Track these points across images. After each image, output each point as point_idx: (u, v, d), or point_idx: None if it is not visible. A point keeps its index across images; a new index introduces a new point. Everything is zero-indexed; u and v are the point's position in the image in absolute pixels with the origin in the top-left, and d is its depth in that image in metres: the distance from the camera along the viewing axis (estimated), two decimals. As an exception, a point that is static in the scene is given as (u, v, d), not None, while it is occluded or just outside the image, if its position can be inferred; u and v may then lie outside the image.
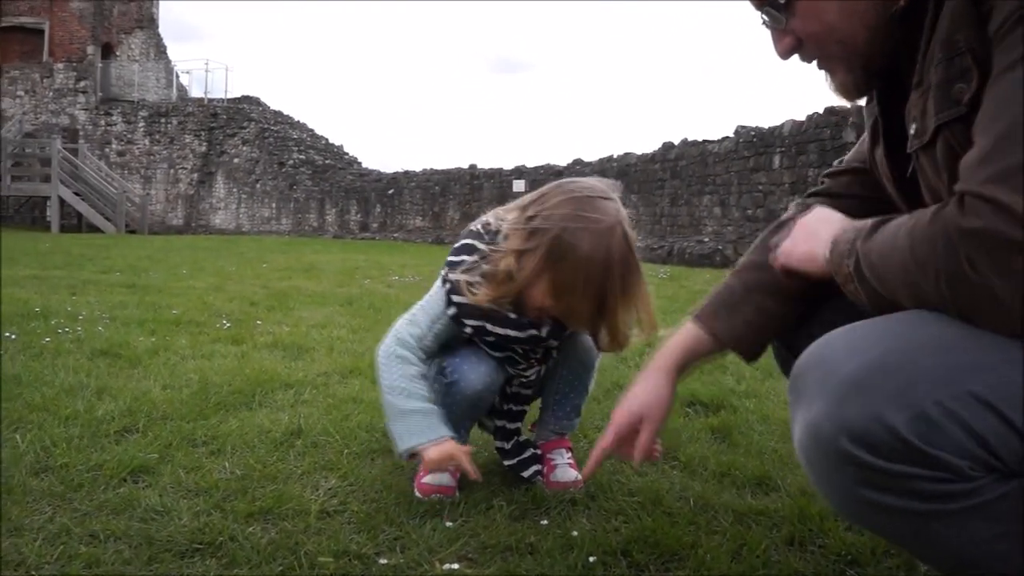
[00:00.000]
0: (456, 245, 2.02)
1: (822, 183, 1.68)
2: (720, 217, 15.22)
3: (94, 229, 25.14)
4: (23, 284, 7.05)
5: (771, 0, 1.27)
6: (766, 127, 14.37)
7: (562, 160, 21.43)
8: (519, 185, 20.70)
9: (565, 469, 2.17)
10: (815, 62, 1.32)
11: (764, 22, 1.32)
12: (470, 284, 1.92)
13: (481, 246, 1.95)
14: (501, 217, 1.97)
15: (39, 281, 7.40)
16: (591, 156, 21.04)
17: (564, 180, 1.96)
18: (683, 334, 1.66)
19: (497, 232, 1.94)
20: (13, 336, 4.07)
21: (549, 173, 20.63)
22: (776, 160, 13.57)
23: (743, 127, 15.06)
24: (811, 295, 1.48)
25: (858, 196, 1.56)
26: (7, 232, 22.14)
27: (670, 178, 16.95)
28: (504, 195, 20.82)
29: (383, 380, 1.99)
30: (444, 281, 2.00)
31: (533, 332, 2.00)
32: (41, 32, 31.21)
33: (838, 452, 1.07)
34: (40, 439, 2.36)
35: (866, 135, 1.52)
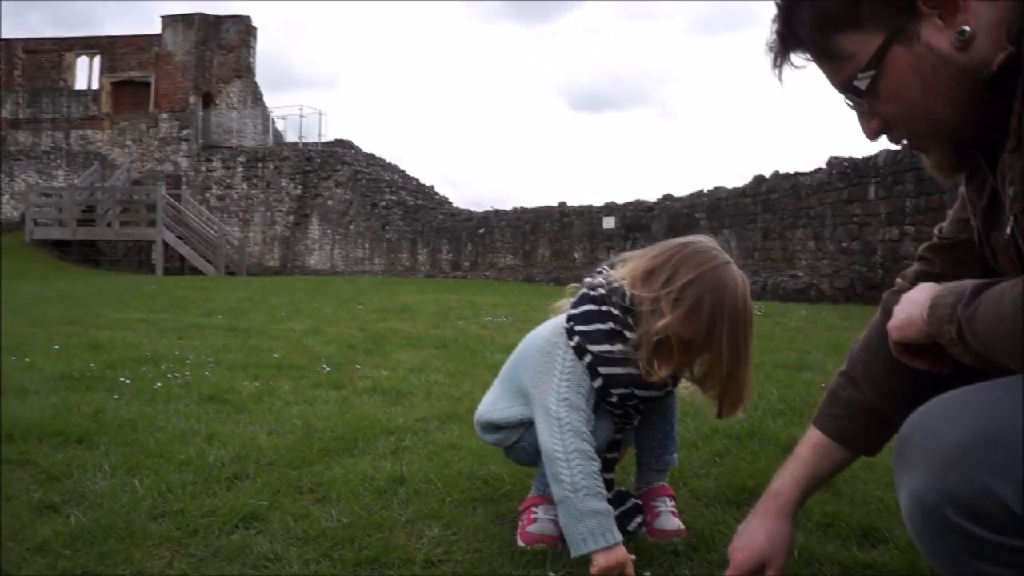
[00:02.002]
0: (579, 310, 2.01)
1: (922, 259, 1.66)
2: (815, 250, 14.95)
3: (195, 271, 25.99)
4: (133, 328, 7.34)
5: (851, 87, 1.26)
6: (860, 157, 14.11)
7: (652, 196, 21.36)
8: (609, 221, 20.68)
9: (668, 517, 2.16)
10: (906, 142, 1.31)
11: (848, 105, 1.31)
12: (648, 364, 1.95)
13: (615, 311, 1.98)
14: (615, 278, 2.00)
15: (148, 325, 7.69)
16: (681, 191, 20.92)
17: (686, 242, 1.99)
18: (805, 457, 1.71)
19: (623, 294, 1.97)
20: (127, 381, 4.24)
21: (639, 209, 20.58)
22: (871, 191, 13.30)
23: (836, 158, 14.81)
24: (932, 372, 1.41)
25: (964, 269, 1.52)
26: (117, 275, 23.06)
27: (762, 212, 16.75)
28: (594, 232, 20.83)
29: (564, 477, 1.88)
30: (580, 352, 1.98)
31: (669, 390, 2.12)
32: (148, 85, 32.66)
33: (944, 522, 1.05)
34: (157, 484, 2.46)
35: (958, 206, 1.50)
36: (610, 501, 2.11)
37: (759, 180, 17.29)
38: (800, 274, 13.94)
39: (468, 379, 4.44)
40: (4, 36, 35.29)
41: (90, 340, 6.10)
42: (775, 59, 1.32)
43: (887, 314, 1.48)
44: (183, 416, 3.40)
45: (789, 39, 1.30)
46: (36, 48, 34.63)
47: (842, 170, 14.30)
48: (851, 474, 2.66)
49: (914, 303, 1.31)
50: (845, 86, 1.27)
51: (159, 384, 4.16)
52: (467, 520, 2.22)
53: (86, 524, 2.13)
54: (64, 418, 3.33)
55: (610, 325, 1.97)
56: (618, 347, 1.96)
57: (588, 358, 1.98)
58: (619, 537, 1.87)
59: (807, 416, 3.34)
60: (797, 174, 16.24)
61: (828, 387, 1.74)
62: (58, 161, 31.22)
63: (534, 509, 2.13)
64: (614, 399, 2.02)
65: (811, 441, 1.70)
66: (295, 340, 6.34)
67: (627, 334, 1.96)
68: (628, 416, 2.11)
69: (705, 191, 19.48)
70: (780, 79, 1.33)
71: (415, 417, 3.46)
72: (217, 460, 2.71)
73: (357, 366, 4.92)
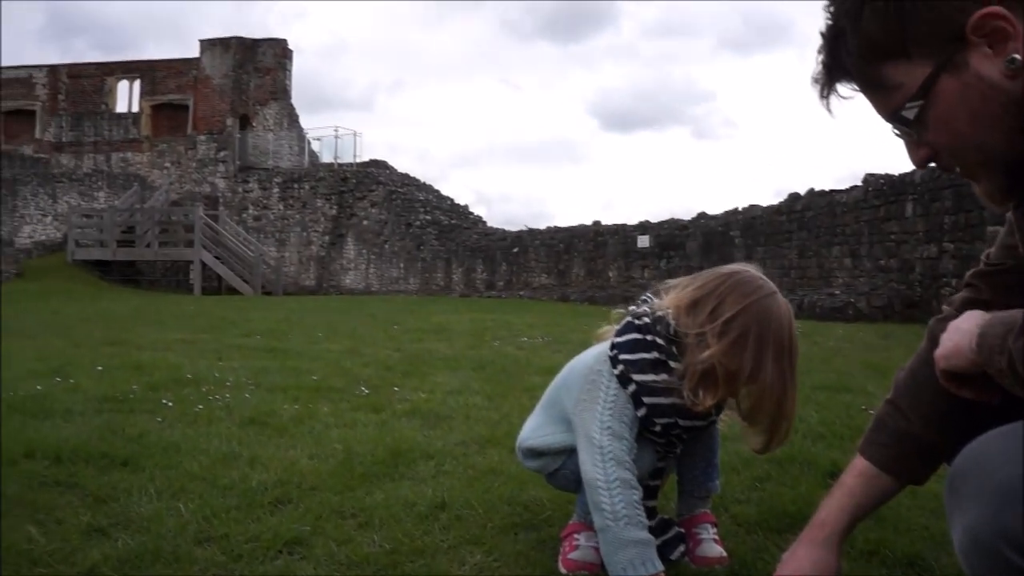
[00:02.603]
0: (623, 339, 2.03)
1: (969, 285, 1.65)
2: (851, 268, 14.84)
3: (233, 291, 26.25)
4: (174, 348, 7.44)
5: (899, 117, 1.26)
6: (896, 174, 14.01)
7: (686, 214, 21.31)
8: (643, 240, 20.65)
9: (711, 544, 2.15)
10: (957, 171, 1.31)
11: (896, 133, 1.31)
12: (693, 393, 1.96)
13: (660, 341, 1.99)
14: (660, 307, 2.02)
15: (188, 345, 7.78)
16: (715, 209, 20.85)
17: (731, 271, 2.01)
18: (851, 486, 1.69)
19: (667, 324, 1.99)
20: (169, 403, 4.30)
21: (674, 227, 20.53)
22: (908, 208, 13.19)
23: (872, 175, 14.72)
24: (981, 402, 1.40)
25: (1013, 296, 1.51)
26: (156, 295, 23.36)
27: (797, 230, 16.66)
28: (628, 251, 20.80)
29: (605, 505, 1.91)
30: (624, 381, 2.01)
31: (712, 419, 2.13)
32: (186, 108, 33.15)
33: (998, 558, 1.05)
34: (201, 509, 2.49)
35: (1004, 231, 1.49)
36: (653, 529, 2.11)
37: (794, 198, 17.21)
38: (837, 292, 13.83)
39: (506, 402, 4.45)
40: (50, 62, 36.03)
41: (132, 361, 6.19)
42: (822, 90, 1.32)
43: (933, 342, 1.47)
44: (225, 439, 3.44)
45: (835, 70, 1.30)
46: (79, 73, 35.30)
47: (878, 187, 14.19)
48: (895, 501, 2.63)
49: (962, 332, 1.30)
50: (893, 116, 1.27)
51: (201, 407, 4.21)
52: (509, 546, 2.22)
53: (134, 548, 2.17)
54: (109, 440, 3.38)
55: (655, 355, 1.98)
56: (663, 377, 1.98)
57: (632, 387, 2.00)
58: (659, 567, 1.89)
59: (848, 439, 3.33)
60: (832, 191, 16.14)
61: (874, 415, 1.74)
62: (99, 183, 31.72)
63: (576, 536, 2.13)
64: (657, 428, 2.03)
65: (857, 470, 1.69)
66: (333, 361, 6.39)
67: (672, 364, 1.98)
68: (671, 445, 2.12)
69: (739, 209, 19.41)
70: (828, 110, 1.33)
71: (454, 441, 3.47)
72: (260, 484, 2.74)
73: (395, 388, 4.95)
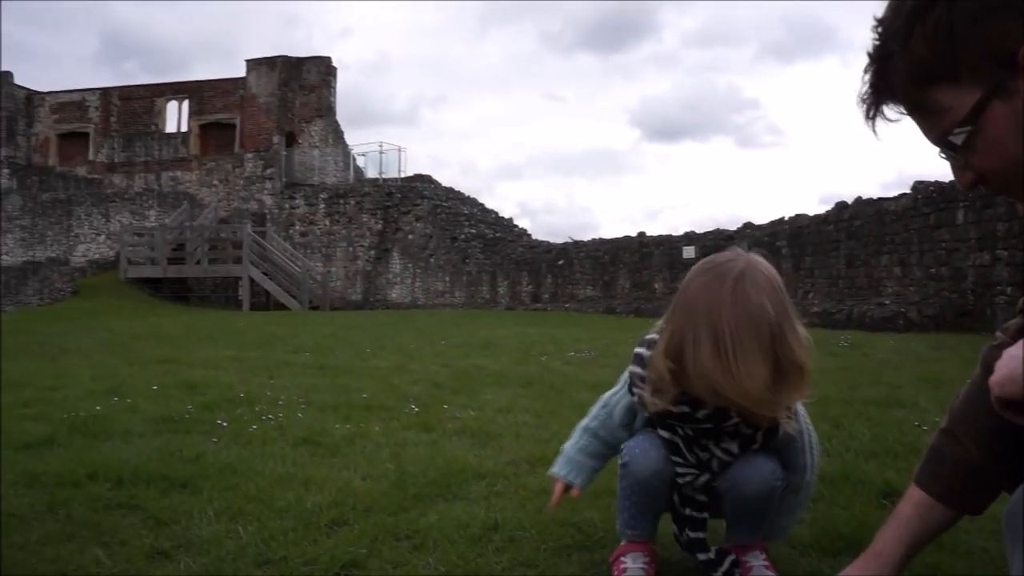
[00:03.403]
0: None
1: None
2: (901, 277, 14.64)
3: (280, 306, 26.55)
4: (225, 367, 7.55)
5: (947, 141, 1.26)
6: (946, 181, 13.80)
7: (732, 224, 21.18)
8: (689, 251, 20.56)
9: (762, 571, 2.15)
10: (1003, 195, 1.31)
11: (942, 157, 1.31)
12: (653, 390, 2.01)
13: (648, 336, 2.09)
14: None
15: (238, 363, 7.90)
16: (761, 219, 20.69)
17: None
18: (907, 516, 1.67)
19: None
20: (224, 424, 4.38)
21: (719, 238, 20.42)
22: (960, 215, 12.99)
23: (921, 182, 14.52)
24: None
25: None
26: (206, 311, 23.69)
27: (845, 239, 16.48)
28: (674, 262, 20.72)
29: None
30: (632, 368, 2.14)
31: (685, 409, 2.02)
32: (234, 126, 33.69)
33: None
34: (260, 531, 2.54)
35: None
36: (711, 561, 2.12)
37: (841, 207, 17.04)
38: (886, 302, 13.65)
39: (555, 420, 4.46)
40: (102, 85, 36.82)
41: (185, 380, 6.29)
42: (868, 111, 1.32)
43: (987, 369, 1.46)
44: (280, 460, 3.50)
45: (883, 91, 1.30)
46: (130, 95, 36.04)
47: (928, 195, 14.00)
48: (950, 521, 2.62)
49: (1016, 359, 1.30)
50: (940, 140, 1.27)
51: (255, 427, 4.28)
52: (562, 568, 2.24)
53: (196, 571, 2.22)
54: (168, 462, 3.45)
55: (643, 349, 2.08)
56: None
57: (626, 375, 2.15)
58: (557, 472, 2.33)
59: (902, 458, 3.30)
60: (881, 200, 15.95)
61: (929, 444, 1.73)
62: (150, 202, 32.30)
63: (623, 559, 2.16)
64: (646, 417, 2.15)
65: (913, 500, 1.68)
66: (382, 378, 6.45)
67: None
68: (676, 450, 2.11)
69: (786, 219, 19.26)
70: (874, 131, 1.34)
71: (505, 460, 3.50)
72: (315, 506, 2.79)
73: (445, 406, 4.98)
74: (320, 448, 3.79)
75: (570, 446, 2.34)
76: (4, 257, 31.52)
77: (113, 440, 4.00)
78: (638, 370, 2.07)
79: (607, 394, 2.30)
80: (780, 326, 1.87)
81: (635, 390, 2.09)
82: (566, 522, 2.60)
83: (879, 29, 1.28)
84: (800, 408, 2.09)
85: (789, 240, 18.37)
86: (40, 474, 3.26)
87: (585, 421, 2.34)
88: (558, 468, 2.33)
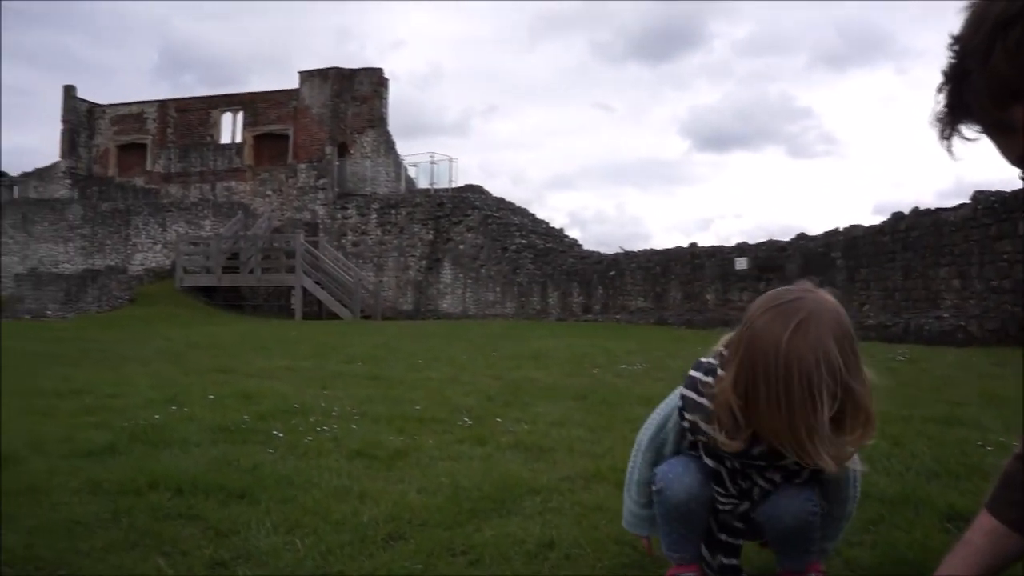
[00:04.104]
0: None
1: None
2: (960, 290, 14.36)
3: (332, 315, 26.80)
4: (280, 376, 7.65)
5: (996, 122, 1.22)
6: (1008, 191, 13.53)
7: (785, 235, 20.96)
8: (741, 262, 20.37)
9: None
10: None
11: (1021, 178, 1.27)
12: (716, 424, 1.95)
13: (706, 361, 2.04)
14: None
15: (293, 373, 7.99)
16: (815, 229, 20.44)
17: (770, 292, 1.97)
18: (979, 545, 1.63)
19: (720, 352, 2.00)
20: (280, 434, 4.43)
21: (772, 249, 20.21)
22: (1022, 226, 12.71)
23: (981, 192, 14.26)
24: None
25: None
26: (260, 320, 24.01)
27: (902, 250, 16.21)
28: (726, 273, 20.54)
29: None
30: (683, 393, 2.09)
31: (741, 445, 1.96)
32: (287, 137, 34.15)
33: None
34: (317, 544, 2.57)
35: None
36: None
37: (898, 217, 16.78)
38: (945, 315, 13.40)
39: (609, 434, 4.45)
40: (160, 98, 37.57)
41: (241, 390, 6.38)
42: (943, 131, 1.29)
43: None
44: (335, 472, 3.53)
45: (959, 110, 1.27)
46: (186, 107, 36.74)
47: (989, 204, 13.73)
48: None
49: None
50: (1021, 160, 1.24)
51: (310, 438, 4.32)
52: (619, 588, 2.23)
53: (255, 583, 2.25)
54: (226, 472, 3.50)
55: (699, 374, 2.03)
56: (702, 401, 2.00)
57: (679, 399, 2.08)
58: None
59: (965, 479, 3.23)
60: (939, 210, 15.69)
61: (1002, 470, 1.69)
62: (205, 212, 32.82)
63: (672, 581, 2.15)
64: (685, 423, 2.06)
65: (984, 527, 1.64)
66: (435, 390, 6.48)
67: (708, 388, 1.99)
68: (719, 480, 2.07)
69: (840, 229, 19.00)
70: (950, 152, 1.30)
71: (559, 476, 3.49)
72: (371, 519, 2.81)
73: (498, 419, 4.99)
74: (375, 460, 3.82)
75: (632, 502, 2.27)
76: (65, 265, 32.27)
77: (172, 449, 4.07)
78: (692, 396, 2.02)
79: (646, 435, 2.23)
80: (846, 372, 1.80)
81: (688, 416, 2.04)
82: (621, 540, 2.59)
83: (955, 47, 1.24)
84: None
85: (843, 251, 18.12)
86: (103, 482, 3.33)
87: (636, 472, 2.25)
88: (633, 527, 2.30)
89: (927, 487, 3.13)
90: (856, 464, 2.10)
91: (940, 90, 1.28)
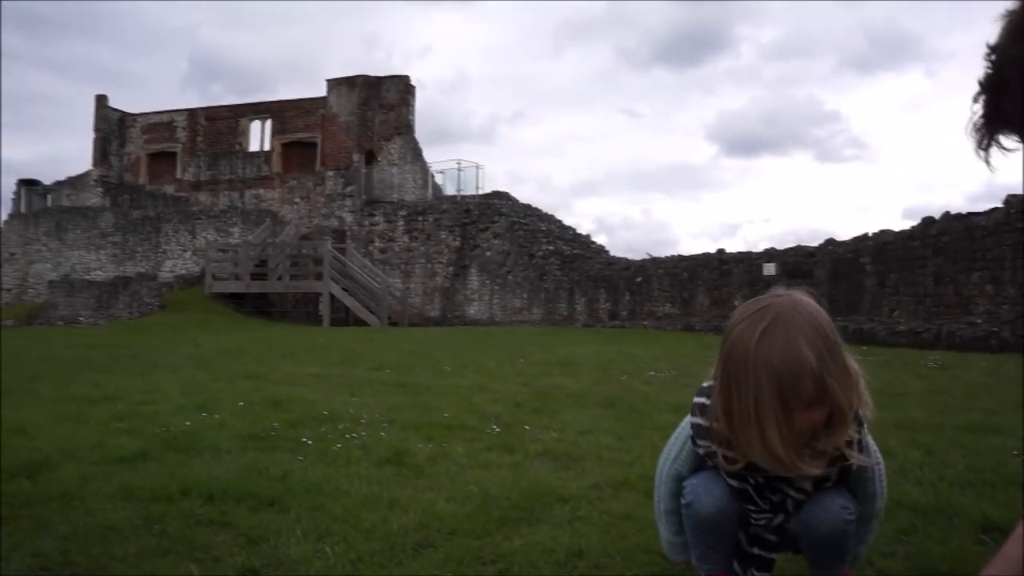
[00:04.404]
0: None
1: None
2: (993, 295, 14.20)
3: (360, 322, 26.91)
4: (308, 383, 7.68)
5: None
6: (1043, 194, 13.38)
7: (813, 240, 20.83)
8: (769, 268, 20.27)
9: (855, 606, 2.09)
10: None
11: None
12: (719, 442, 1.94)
13: (706, 384, 2.02)
14: None
15: (321, 380, 8.03)
16: (843, 233, 20.26)
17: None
18: (1016, 558, 1.60)
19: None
20: (309, 442, 4.45)
21: (800, 255, 20.09)
22: (1057, 231, 12.56)
23: (1014, 196, 14.08)
24: None
25: None
26: (288, 326, 24.15)
27: (932, 255, 16.05)
28: (754, 279, 20.43)
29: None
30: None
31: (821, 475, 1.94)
32: (315, 145, 34.37)
33: None
34: (347, 552, 2.58)
35: None
36: None
37: (928, 222, 16.62)
38: (978, 321, 13.25)
39: (637, 442, 4.43)
40: (190, 106, 37.96)
41: (270, 397, 6.42)
42: (981, 141, 1.27)
43: None
44: (364, 480, 3.54)
45: (997, 121, 1.25)
46: (215, 115, 37.09)
47: (1022, 209, 13.57)
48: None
49: None
50: None
51: (339, 445, 4.34)
52: (648, 598, 2.22)
53: (287, 591, 2.26)
54: (256, 480, 3.53)
55: (703, 399, 2.00)
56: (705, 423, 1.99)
57: (689, 427, 2.06)
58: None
59: (1000, 489, 3.19)
60: (970, 214, 15.52)
61: None
62: (234, 219, 33.09)
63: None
64: (700, 451, 2.04)
65: (1023, 539, 1.61)
66: (463, 397, 6.48)
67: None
68: (748, 498, 2.04)
69: (869, 234, 18.85)
70: (988, 163, 1.28)
71: (588, 484, 3.48)
72: (401, 527, 2.81)
73: (526, 427, 4.99)
74: (404, 468, 3.83)
75: (666, 531, 2.24)
76: (97, 272, 32.65)
77: (203, 456, 4.10)
78: (700, 422, 2.00)
79: (664, 466, 2.20)
80: (824, 373, 1.78)
81: (700, 443, 2.01)
82: (650, 549, 2.58)
83: (992, 57, 1.23)
84: (870, 440, 2.02)
85: (873, 257, 17.97)
86: (135, 488, 3.36)
87: (662, 503, 2.23)
88: (673, 554, 2.26)
89: (961, 497, 3.09)
90: (876, 457, 2.07)
91: (976, 100, 1.26)
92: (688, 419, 2.07)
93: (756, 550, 2.12)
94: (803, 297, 1.88)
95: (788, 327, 1.79)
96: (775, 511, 2.05)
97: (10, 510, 3.05)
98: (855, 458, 1.93)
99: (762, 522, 2.07)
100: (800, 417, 1.79)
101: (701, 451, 2.02)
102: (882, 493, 2.12)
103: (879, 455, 2.08)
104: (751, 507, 2.05)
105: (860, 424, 1.93)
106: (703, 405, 1.98)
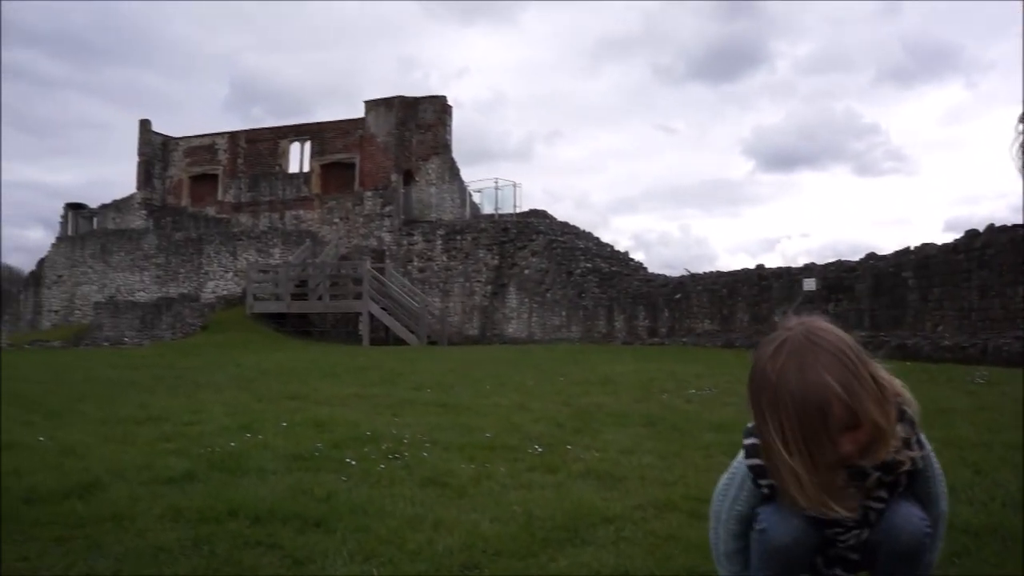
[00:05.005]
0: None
1: None
2: (1041, 309, 13.94)
3: (399, 341, 26.99)
4: (350, 404, 7.73)
5: None
6: (1092, 208, 13.14)
7: (853, 254, 20.61)
8: (809, 284, 20.06)
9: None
10: None
11: None
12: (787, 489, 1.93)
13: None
14: None
15: (362, 400, 8.07)
16: (883, 247, 20.06)
17: None
18: None
19: None
20: (352, 462, 4.48)
21: (841, 270, 19.87)
22: (1106, 243, 12.32)
23: (1062, 208, 13.84)
24: None
25: None
26: (328, 346, 24.30)
27: (977, 268, 15.79)
28: (794, 295, 20.24)
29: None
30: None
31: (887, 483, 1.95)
32: (353, 166, 34.67)
33: None
34: (393, 574, 2.60)
35: None
36: None
37: (972, 235, 16.38)
38: (1025, 336, 13.01)
39: (680, 462, 4.41)
40: (231, 129, 38.48)
41: (312, 417, 6.47)
42: None
43: None
44: (408, 501, 3.56)
45: None
46: (256, 138, 37.55)
47: (1069, 222, 13.34)
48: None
49: None
50: None
51: (382, 466, 4.37)
52: (696, 621, 2.21)
53: (335, 613, 2.28)
54: (301, 501, 3.56)
55: (753, 439, 2.00)
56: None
57: (744, 468, 2.06)
58: None
59: (1053, 510, 3.13)
60: (1017, 227, 15.27)
61: None
62: (274, 240, 33.42)
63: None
64: (764, 490, 2.02)
65: None
66: (503, 417, 6.49)
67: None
68: (828, 523, 2.01)
69: (912, 248, 18.60)
70: None
71: (631, 504, 3.47)
72: (446, 549, 2.83)
73: (568, 447, 4.98)
74: (447, 489, 3.84)
75: (728, 572, 2.22)
76: (140, 293, 33.14)
77: (249, 476, 4.14)
78: (758, 462, 1.99)
79: (724, 507, 2.17)
80: (851, 396, 1.79)
81: (763, 482, 2.01)
82: (695, 571, 2.57)
83: None
84: (923, 437, 2.00)
85: (915, 270, 17.72)
86: (183, 509, 3.41)
87: (722, 545, 2.20)
88: None
89: (1014, 518, 3.04)
90: (934, 459, 2.06)
91: (1022, 120, 1.25)
92: (741, 459, 2.07)
93: (838, 571, 2.09)
94: (817, 323, 1.90)
95: (804, 359, 1.82)
96: (860, 526, 2.03)
97: (65, 530, 3.11)
98: (913, 455, 1.94)
99: (851, 541, 2.04)
100: (843, 440, 1.80)
101: (766, 490, 2.02)
102: (944, 494, 2.11)
103: (933, 454, 2.06)
104: (837, 529, 2.02)
105: (912, 424, 1.93)
106: (755, 445, 1.98)
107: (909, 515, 1.98)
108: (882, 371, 1.89)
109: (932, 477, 2.06)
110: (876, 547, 2.03)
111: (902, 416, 1.91)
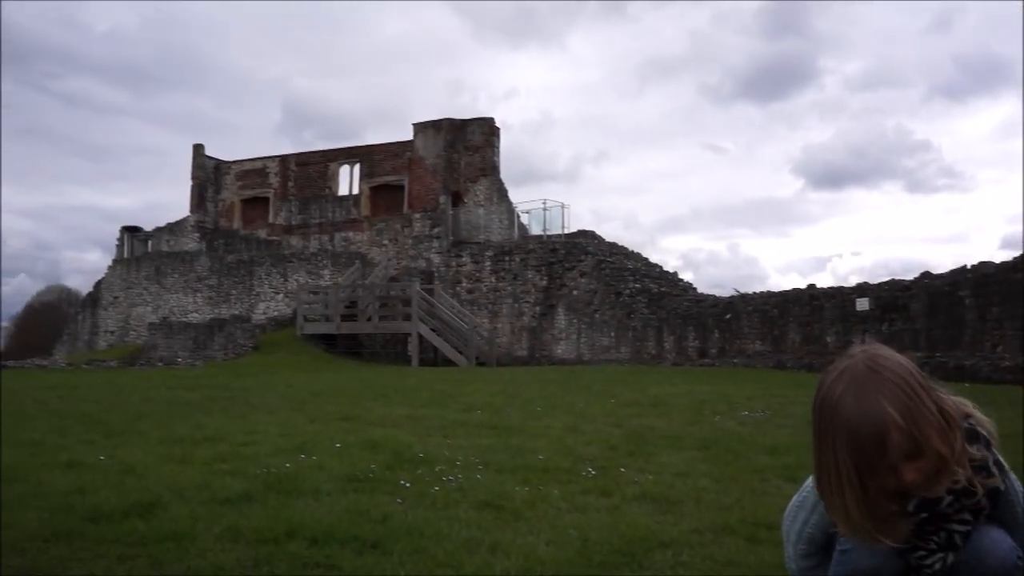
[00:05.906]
0: None
1: None
2: (1105, 329, 13.60)
3: (448, 362, 27.09)
4: (401, 425, 7.77)
5: None
6: None
7: (906, 272, 20.28)
8: (863, 303, 19.77)
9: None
10: None
11: None
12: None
13: None
14: None
15: (413, 421, 8.11)
16: (936, 265, 19.73)
17: None
18: None
19: None
20: (407, 484, 4.50)
21: (895, 288, 19.57)
22: None
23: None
24: None
25: None
26: (378, 367, 24.46)
27: (1038, 286, 15.47)
28: (847, 315, 19.97)
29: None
30: None
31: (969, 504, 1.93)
32: (402, 188, 34.99)
33: None
34: (451, 597, 2.60)
35: None
36: None
37: (1032, 253, 16.06)
38: (1088, 357, 12.69)
39: (735, 485, 4.38)
40: (281, 153, 39.09)
41: (365, 438, 6.51)
42: None
43: None
44: (464, 523, 3.57)
45: None
46: (306, 161, 38.10)
47: None
48: None
49: None
50: None
51: (436, 488, 4.38)
52: (758, 648, 2.19)
53: (395, 636, 2.29)
54: (358, 522, 3.58)
55: None
56: None
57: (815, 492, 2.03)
58: None
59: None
60: (1077, 246, 14.96)
61: None
62: (324, 262, 33.82)
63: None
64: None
65: None
66: (556, 439, 6.48)
67: None
68: (912, 548, 1.99)
69: (968, 267, 18.26)
70: None
71: (687, 528, 3.45)
72: (504, 572, 2.83)
73: (622, 469, 4.96)
74: (502, 512, 3.85)
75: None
76: (193, 315, 33.66)
77: (305, 498, 4.18)
78: None
79: (793, 529, 2.17)
80: (911, 425, 1.78)
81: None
82: (758, 597, 2.55)
83: None
84: (1001, 459, 1.96)
85: (973, 289, 17.39)
86: (242, 529, 3.45)
87: (793, 563, 2.20)
88: None
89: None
90: (1016, 483, 2.02)
91: None
92: (812, 482, 2.05)
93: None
94: (880, 351, 1.89)
95: (863, 387, 1.81)
96: (947, 549, 1.99)
97: (127, 548, 3.17)
98: (986, 483, 1.91)
99: (936, 565, 2.00)
100: (906, 469, 1.79)
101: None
102: None
103: (1016, 481, 2.02)
104: (921, 553, 1.99)
105: (987, 445, 1.90)
106: None
107: (999, 540, 1.95)
108: (948, 397, 1.87)
109: (1015, 501, 2.02)
110: (961, 571, 1.99)
111: (976, 437, 1.88)
